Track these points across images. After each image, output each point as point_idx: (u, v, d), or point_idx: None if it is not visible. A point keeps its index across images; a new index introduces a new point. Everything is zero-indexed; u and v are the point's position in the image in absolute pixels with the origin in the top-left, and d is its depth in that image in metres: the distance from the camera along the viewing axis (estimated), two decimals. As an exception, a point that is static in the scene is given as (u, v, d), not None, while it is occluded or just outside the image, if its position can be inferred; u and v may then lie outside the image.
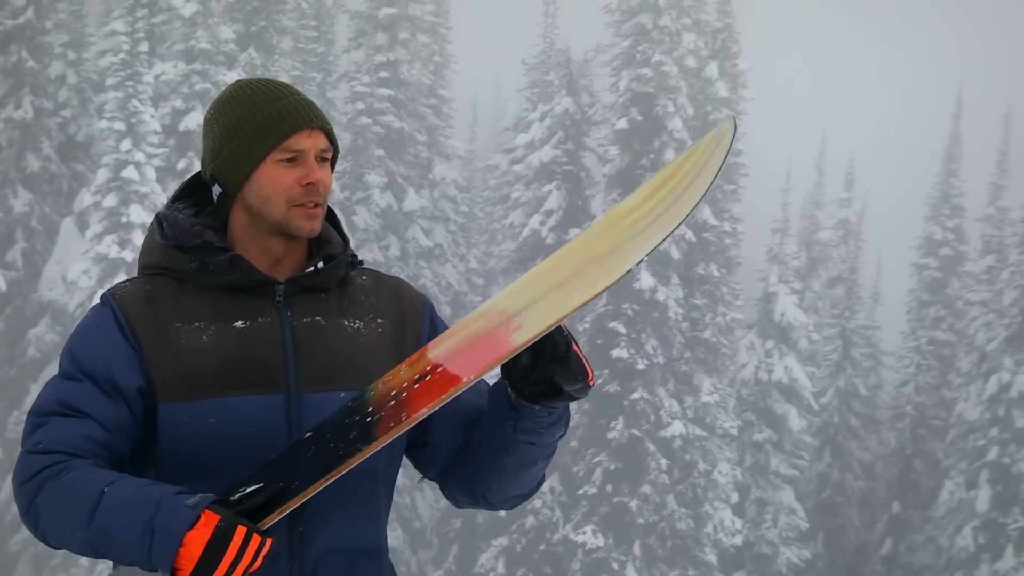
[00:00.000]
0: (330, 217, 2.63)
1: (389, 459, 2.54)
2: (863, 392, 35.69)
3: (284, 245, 2.51)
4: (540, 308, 2.36)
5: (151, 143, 23.50)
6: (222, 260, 2.46)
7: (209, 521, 2.15)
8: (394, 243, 30.14)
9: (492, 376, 2.49)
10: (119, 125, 23.08)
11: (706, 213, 27.46)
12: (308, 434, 2.37)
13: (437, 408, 2.36)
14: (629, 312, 26.40)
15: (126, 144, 23.04)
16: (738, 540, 27.60)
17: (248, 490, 2.26)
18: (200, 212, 2.57)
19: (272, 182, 2.45)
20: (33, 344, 26.18)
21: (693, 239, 27.42)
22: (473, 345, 2.40)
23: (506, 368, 2.43)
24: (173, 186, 24.72)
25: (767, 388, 30.45)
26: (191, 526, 2.14)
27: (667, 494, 26.45)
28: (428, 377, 2.38)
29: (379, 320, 2.57)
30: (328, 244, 2.57)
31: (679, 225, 2.39)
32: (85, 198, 24.40)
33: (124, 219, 23.02)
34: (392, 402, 2.37)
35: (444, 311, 28.80)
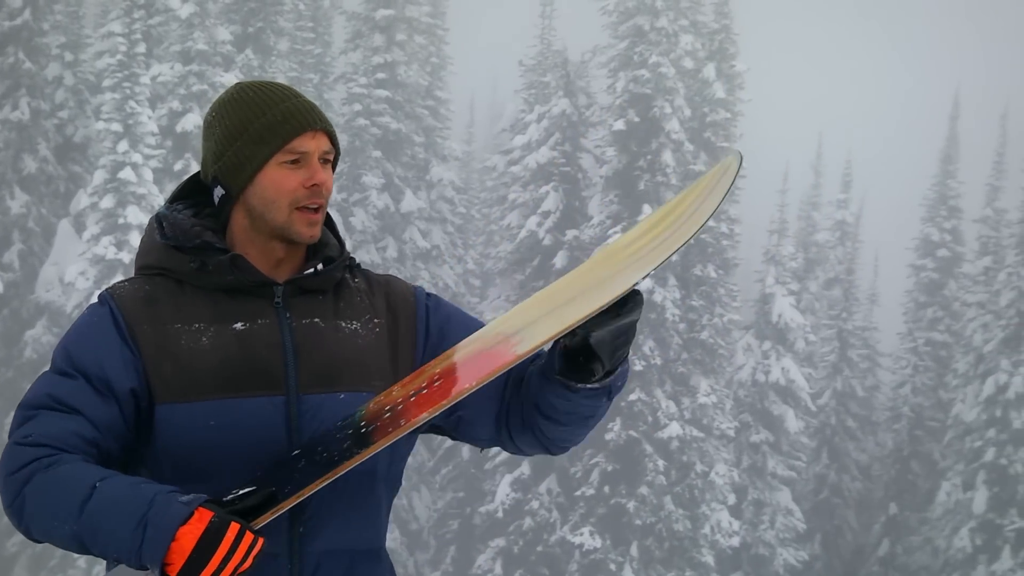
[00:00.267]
0: (326, 220, 2.63)
1: (391, 461, 2.54)
2: (860, 393, 35.70)
3: (285, 248, 2.51)
4: (540, 325, 2.38)
5: (148, 144, 23.50)
6: (222, 260, 2.46)
7: (202, 517, 2.15)
8: (391, 244, 30.15)
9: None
10: (116, 126, 23.08)
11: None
12: (297, 451, 2.38)
13: (436, 414, 2.37)
14: (626, 313, 26.37)
15: (123, 145, 23.04)
16: (735, 541, 27.61)
17: (241, 492, 2.27)
18: (198, 214, 2.57)
19: (275, 184, 2.45)
20: (30, 345, 26.16)
21: (690, 240, 27.39)
22: (472, 359, 2.43)
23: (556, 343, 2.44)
24: (170, 187, 24.71)
25: (764, 389, 30.45)
26: (184, 521, 2.14)
27: (664, 495, 26.46)
28: (425, 390, 2.40)
29: (376, 320, 2.57)
30: (326, 247, 2.58)
31: (682, 247, 2.43)
32: (82, 199, 24.39)
33: (121, 220, 23.02)
34: (387, 414, 2.38)
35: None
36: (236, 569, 2.16)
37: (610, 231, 26.72)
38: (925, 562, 31.93)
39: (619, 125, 27.19)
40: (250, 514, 2.25)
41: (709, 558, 26.97)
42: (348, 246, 2.59)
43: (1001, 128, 34.34)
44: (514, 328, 2.43)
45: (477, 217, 36.20)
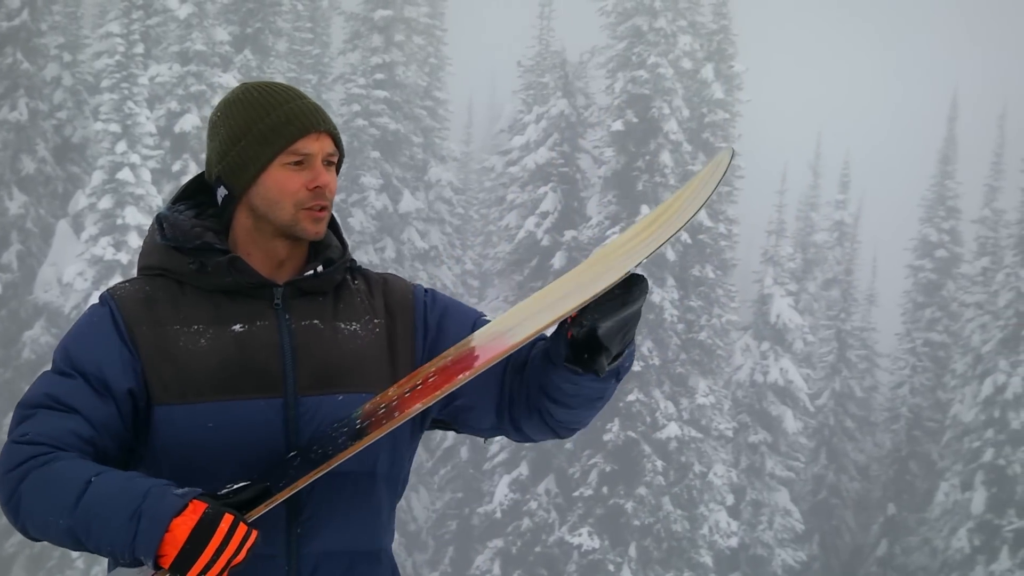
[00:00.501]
0: (329, 223, 2.64)
1: (392, 461, 2.54)
2: (858, 394, 35.72)
3: (288, 248, 2.52)
4: (534, 319, 2.39)
5: (146, 145, 23.49)
6: (220, 262, 2.46)
7: (196, 509, 2.15)
8: (390, 245, 30.16)
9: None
10: (114, 127, 23.07)
11: (701, 215, 27.47)
12: (294, 452, 2.39)
13: (431, 403, 2.37)
14: (625, 314, 26.37)
15: (121, 146, 23.03)
16: (733, 542, 27.62)
17: (236, 486, 2.27)
18: (201, 214, 2.57)
19: (279, 185, 2.46)
20: (28, 346, 26.15)
21: (689, 241, 27.43)
22: (465, 356, 2.44)
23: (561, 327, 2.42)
24: (168, 188, 24.72)
25: (762, 390, 30.47)
26: (178, 513, 2.14)
27: (663, 496, 26.46)
28: (420, 386, 2.41)
29: (375, 320, 2.58)
30: (327, 248, 2.58)
31: (677, 232, 2.41)
32: (80, 200, 24.38)
33: (119, 221, 23.01)
34: (382, 410, 2.39)
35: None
36: (229, 561, 2.15)
37: (608, 232, 26.73)
38: (923, 562, 31.94)
39: (617, 126, 27.19)
40: (244, 508, 2.25)
41: (707, 559, 26.97)
42: (349, 247, 2.58)
43: (999, 129, 34.37)
44: (507, 327, 2.44)
45: (475, 218, 36.21)
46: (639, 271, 2.35)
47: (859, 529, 34.96)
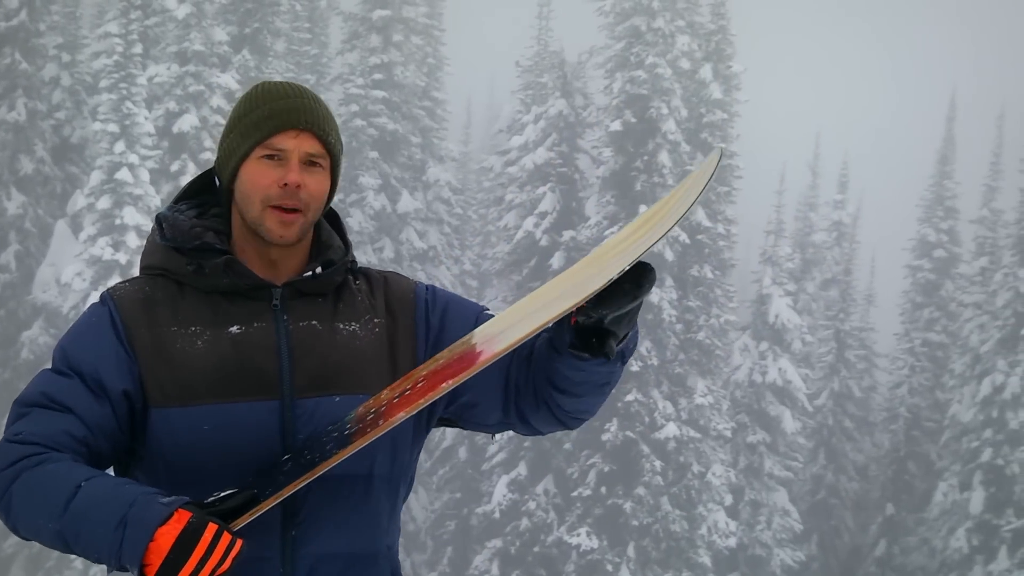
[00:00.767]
0: (333, 221, 2.62)
1: (392, 461, 2.52)
2: (857, 394, 35.73)
3: (278, 249, 2.50)
4: (531, 318, 2.36)
5: (145, 145, 23.48)
6: (217, 263, 2.45)
7: (181, 518, 2.14)
8: (388, 245, 30.15)
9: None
10: (113, 127, 23.06)
11: (700, 215, 27.47)
12: (287, 456, 2.38)
13: (415, 412, 2.33)
14: (623, 314, 26.35)
15: (120, 146, 23.02)
16: (732, 542, 27.61)
17: (223, 494, 2.26)
18: (203, 213, 2.57)
19: (251, 179, 2.45)
20: (27, 346, 26.14)
21: (687, 241, 27.42)
22: (458, 359, 2.42)
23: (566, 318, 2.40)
24: (167, 188, 24.72)
25: (761, 390, 30.47)
26: (163, 522, 2.14)
27: (661, 496, 26.46)
28: (409, 391, 2.39)
29: (375, 320, 2.56)
30: (329, 249, 2.56)
31: (670, 229, 2.37)
32: (79, 200, 24.37)
33: (118, 221, 23.00)
34: (371, 416, 2.37)
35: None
36: (214, 570, 2.14)
37: (607, 232, 26.71)
38: (922, 563, 31.94)
39: (616, 126, 27.18)
40: (231, 516, 2.24)
41: (706, 559, 26.97)
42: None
43: (997, 129, 34.39)
44: (503, 327, 2.43)
45: (474, 218, 36.21)
46: (646, 260, 2.31)
47: (858, 529, 34.97)
